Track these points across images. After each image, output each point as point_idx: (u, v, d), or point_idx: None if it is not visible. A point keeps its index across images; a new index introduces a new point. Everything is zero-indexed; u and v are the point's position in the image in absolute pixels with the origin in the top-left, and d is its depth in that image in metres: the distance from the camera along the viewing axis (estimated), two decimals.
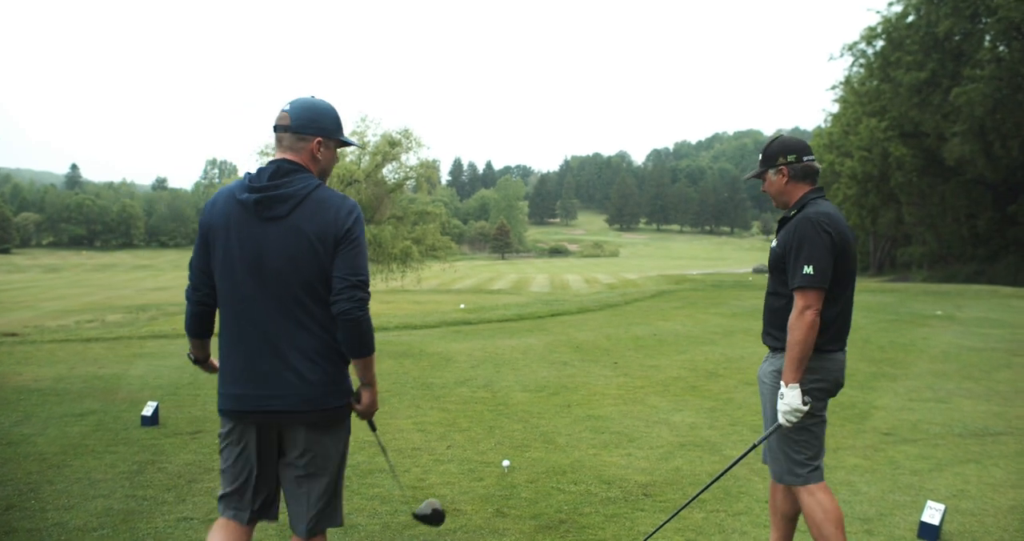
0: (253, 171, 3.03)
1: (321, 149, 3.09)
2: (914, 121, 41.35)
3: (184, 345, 12.05)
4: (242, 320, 3.00)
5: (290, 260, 2.93)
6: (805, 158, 3.73)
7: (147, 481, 5.30)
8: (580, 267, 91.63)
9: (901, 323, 15.52)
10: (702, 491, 4.17)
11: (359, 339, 3.00)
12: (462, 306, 22.34)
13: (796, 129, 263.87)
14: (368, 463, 5.75)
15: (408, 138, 56.66)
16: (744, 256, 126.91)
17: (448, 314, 17.64)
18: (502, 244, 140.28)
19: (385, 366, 10.00)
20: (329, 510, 3.15)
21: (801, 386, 3.50)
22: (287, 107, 3.09)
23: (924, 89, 40.19)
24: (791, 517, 3.92)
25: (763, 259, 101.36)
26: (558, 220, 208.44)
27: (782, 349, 3.62)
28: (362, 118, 68.32)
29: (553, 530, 4.57)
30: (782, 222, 3.78)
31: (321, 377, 3.00)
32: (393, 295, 36.38)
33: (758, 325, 14.75)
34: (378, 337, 12.85)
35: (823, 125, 67.61)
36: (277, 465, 3.14)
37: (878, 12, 45.14)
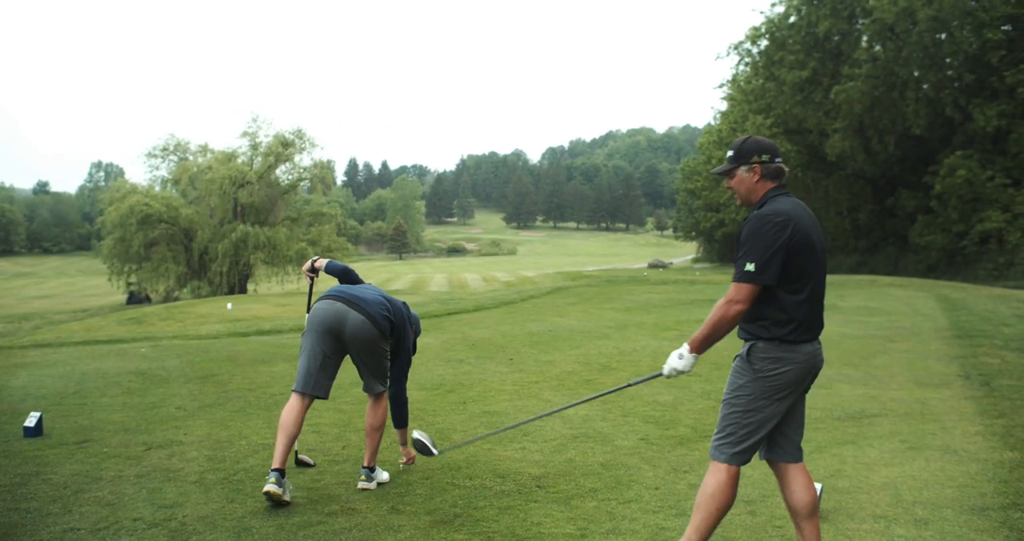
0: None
1: None
2: (797, 118, 42.73)
3: (68, 353, 11.70)
4: None
5: None
6: (776, 159, 3.86)
7: (30, 493, 5.13)
8: (478, 266, 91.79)
9: None
10: (538, 416, 4.44)
11: None
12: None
13: (687, 127, 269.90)
14: (263, 466, 5.68)
15: (301, 138, 55.90)
16: (639, 251, 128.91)
17: None
18: (399, 244, 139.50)
19: (279, 369, 9.89)
20: None
21: (761, 374, 3.70)
22: None
23: (806, 87, 41.56)
24: (807, 512, 3.87)
25: (658, 254, 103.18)
26: (455, 219, 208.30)
27: (750, 338, 3.79)
28: (254, 118, 67.28)
29: (448, 525, 4.60)
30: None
31: None
32: (288, 298, 35.74)
33: (650, 319, 15.18)
34: (272, 339, 12.75)
35: (713, 122, 69.40)
36: None
37: (762, 13, 46.54)
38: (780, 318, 3.67)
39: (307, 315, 5.37)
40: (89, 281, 78.10)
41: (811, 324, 3.75)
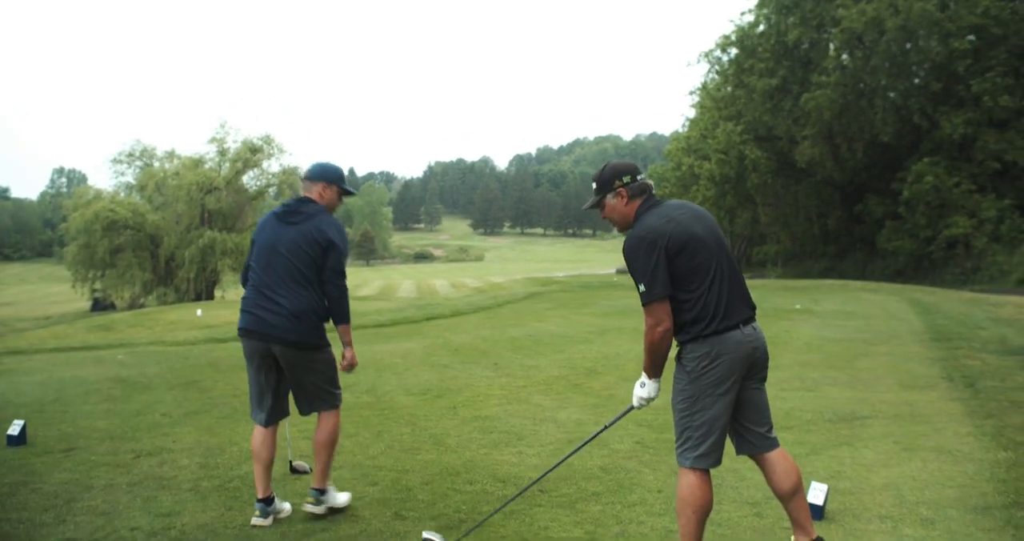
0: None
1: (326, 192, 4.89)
2: (767, 125, 43.05)
3: (43, 360, 11.49)
4: None
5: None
6: (638, 177, 3.92)
7: (21, 503, 5.01)
8: (446, 272, 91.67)
9: (764, 317, 15.97)
10: (547, 473, 4.65)
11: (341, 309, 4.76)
12: None
13: (654, 134, 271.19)
14: None
15: (270, 144, 55.59)
16: (606, 258, 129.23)
17: None
18: (367, 250, 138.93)
19: None
20: None
21: (694, 374, 3.73)
22: (309, 166, 5.00)
23: (776, 95, 41.87)
24: (790, 493, 3.95)
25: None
26: (423, 225, 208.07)
27: (678, 343, 3.85)
28: (221, 124, 66.96)
29: (455, 530, 4.54)
30: None
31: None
32: None
33: (629, 323, 15.18)
34: None
35: (681, 130, 69.77)
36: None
37: (731, 21, 46.90)
38: (691, 318, 3.73)
39: None
40: (51, 288, 77.07)
41: (728, 312, 3.76)
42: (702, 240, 3.74)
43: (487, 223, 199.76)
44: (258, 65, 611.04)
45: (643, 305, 3.72)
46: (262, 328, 4.66)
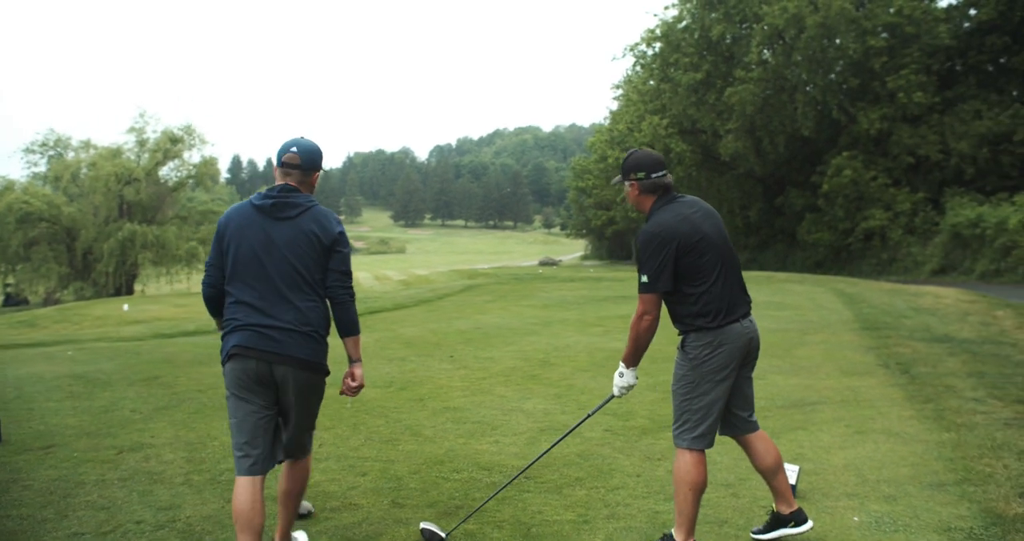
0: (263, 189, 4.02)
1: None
2: (692, 119, 43.83)
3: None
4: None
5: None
6: (653, 175, 4.15)
7: (16, 500, 5.07)
8: (368, 264, 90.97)
9: None
10: (536, 460, 4.90)
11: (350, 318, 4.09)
12: None
13: (574, 125, 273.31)
14: None
15: (191, 134, 54.48)
16: (528, 249, 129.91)
17: None
18: None
19: (220, 370, 9.78)
20: None
21: (696, 361, 4.04)
22: (295, 149, 4.02)
23: (700, 89, 42.64)
24: (772, 469, 4.28)
25: (547, 252, 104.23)
26: (343, 217, 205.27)
27: (681, 332, 4.18)
28: (141, 113, 65.11)
29: (453, 515, 4.76)
30: None
31: None
32: (184, 298, 34.94)
33: (571, 315, 15.53)
34: (201, 340, 12.57)
35: (603, 122, 70.50)
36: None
37: (656, 15, 47.58)
38: (696, 311, 4.05)
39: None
40: None
41: (730, 307, 4.08)
42: (711, 239, 4.04)
43: (408, 215, 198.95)
44: (176, 52, 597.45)
45: (639, 293, 4.04)
46: (267, 346, 3.80)
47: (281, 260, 3.86)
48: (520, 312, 16.68)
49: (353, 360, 4.21)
